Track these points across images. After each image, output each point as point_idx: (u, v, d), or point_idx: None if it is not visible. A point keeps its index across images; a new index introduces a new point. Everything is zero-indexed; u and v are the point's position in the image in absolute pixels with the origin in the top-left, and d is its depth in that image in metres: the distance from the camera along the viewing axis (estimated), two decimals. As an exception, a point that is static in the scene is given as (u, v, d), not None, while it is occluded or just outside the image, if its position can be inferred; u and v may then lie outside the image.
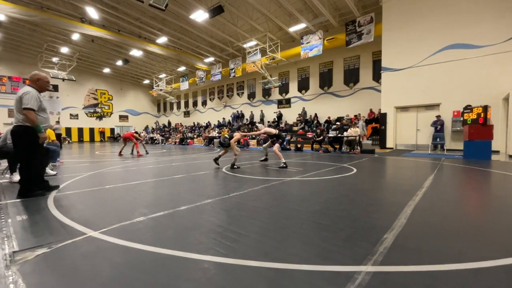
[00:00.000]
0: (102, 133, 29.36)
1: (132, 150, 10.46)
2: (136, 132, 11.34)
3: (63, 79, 21.59)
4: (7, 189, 3.75)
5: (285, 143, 12.32)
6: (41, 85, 3.32)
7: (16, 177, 4.22)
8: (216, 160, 6.26)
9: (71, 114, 27.34)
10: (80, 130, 27.99)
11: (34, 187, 3.34)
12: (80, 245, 1.83)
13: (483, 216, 2.53)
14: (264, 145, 7.23)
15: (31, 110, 3.06)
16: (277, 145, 6.31)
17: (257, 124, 8.21)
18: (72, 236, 1.99)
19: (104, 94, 29.88)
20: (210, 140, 18.31)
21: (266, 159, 7.19)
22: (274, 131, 6.50)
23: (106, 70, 27.21)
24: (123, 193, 3.50)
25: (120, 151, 10.02)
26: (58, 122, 8.89)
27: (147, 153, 10.77)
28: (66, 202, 3.05)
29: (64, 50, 20.66)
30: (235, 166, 5.83)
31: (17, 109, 3.12)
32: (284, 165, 5.86)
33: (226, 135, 6.18)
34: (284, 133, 15.27)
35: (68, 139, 25.16)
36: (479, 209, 2.79)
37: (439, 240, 1.88)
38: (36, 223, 2.29)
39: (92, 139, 28.85)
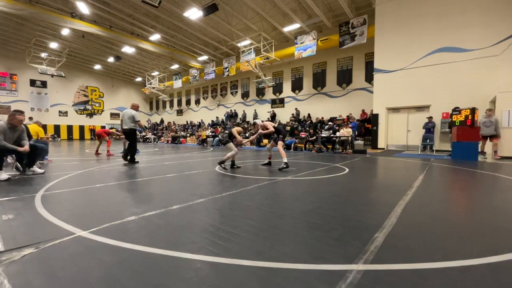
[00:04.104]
0: (92, 131, 28.80)
1: (124, 149, 10.23)
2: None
3: (52, 75, 21.08)
4: (-8, 187, 3.63)
5: (293, 144, 12.21)
6: (134, 109, 6.83)
7: (2, 175, 4.10)
8: (232, 165, 5.78)
9: (60, 111, 26.72)
10: (70, 128, 27.39)
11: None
12: (69, 245, 1.79)
13: (470, 215, 2.60)
14: (268, 146, 6.28)
15: (139, 121, 6.75)
16: (280, 142, 5.78)
17: (255, 121, 7.72)
18: (60, 236, 1.94)
19: (95, 91, 29.32)
20: (203, 139, 18.20)
21: (269, 163, 6.19)
22: (272, 127, 5.82)
23: (97, 67, 26.70)
24: (114, 192, 3.44)
25: (97, 150, 9.40)
26: (31, 118, 8.62)
27: (137, 152, 10.34)
28: (54, 201, 2.98)
29: (53, 45, 20.16)
30: (223, 165, 5.59)
31: (130, 120, 6.62)
32: (285, 166, 5.44)
33: (227, 132, 5.76)
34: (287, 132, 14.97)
35: (56, 136, 24.52)
36: (466, 209, 2.86)
37: (427, 238, 1.92)
38: (23, 223, 2.22)
39: (82, 137, 28.28)
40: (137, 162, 6.82)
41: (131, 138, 6.74)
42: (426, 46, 11.01)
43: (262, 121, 6.19)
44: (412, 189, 3.64)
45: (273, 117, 19.17)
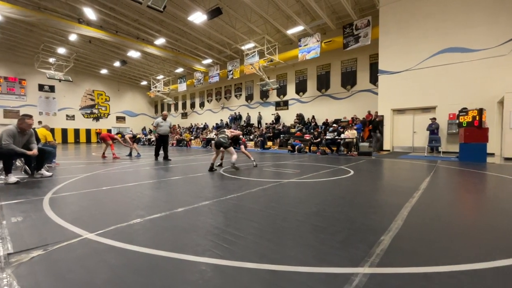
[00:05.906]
0: (98, 134, 29.16)
1: (130, 152, 10.34)
2: (134, 136, 11.26)
3: (60, 80, 21.43)
4: (1, 190, 3.70)
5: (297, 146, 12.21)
6: (164, 116, 8.58)
7: (12, 178, 4.18)
8: (211, 168, 5.73)
9: (67, 115, 27.14)
10: (77, 131, 27.77)
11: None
12: (76, 247, 1.82)
13: (478, 218, 2.56)
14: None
15: (154, 126, 8.57)
16: (242, 146, 7.30)
17: (224, 129, 7.74)
18: (68, 238, 1.97)
19: (101, 95, 29.71)
20: (207, 142, 18.30)
21: (221, 164, 6.84)
22: (239, 132, 6.97)
23: (103, 71, 27.09)
24: (119, 195, 3.48)
25: (103, 153, 9.57)
26: (40, 122, 8.88)
27: (138, 155, 10.22)
28: (62, 203, 3.02)
29: (61, 50, 20.54)
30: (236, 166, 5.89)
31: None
32: (255, 164, 6.54)
33: (226, 134, 5.89)
34: (283, 135, 15.42)
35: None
36: (474, 211, 2.81)
37: (434, 241, 1.90)
38: (32, 225, 2.26)
39: (88, 140, 28.65)
40: (170, 160, 8.43)
41: (161, 140, 8.49)
42: (431, 46, 10.90)
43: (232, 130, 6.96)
44: (419, 191, 3.59)
45: (277, 120, 19.16)
